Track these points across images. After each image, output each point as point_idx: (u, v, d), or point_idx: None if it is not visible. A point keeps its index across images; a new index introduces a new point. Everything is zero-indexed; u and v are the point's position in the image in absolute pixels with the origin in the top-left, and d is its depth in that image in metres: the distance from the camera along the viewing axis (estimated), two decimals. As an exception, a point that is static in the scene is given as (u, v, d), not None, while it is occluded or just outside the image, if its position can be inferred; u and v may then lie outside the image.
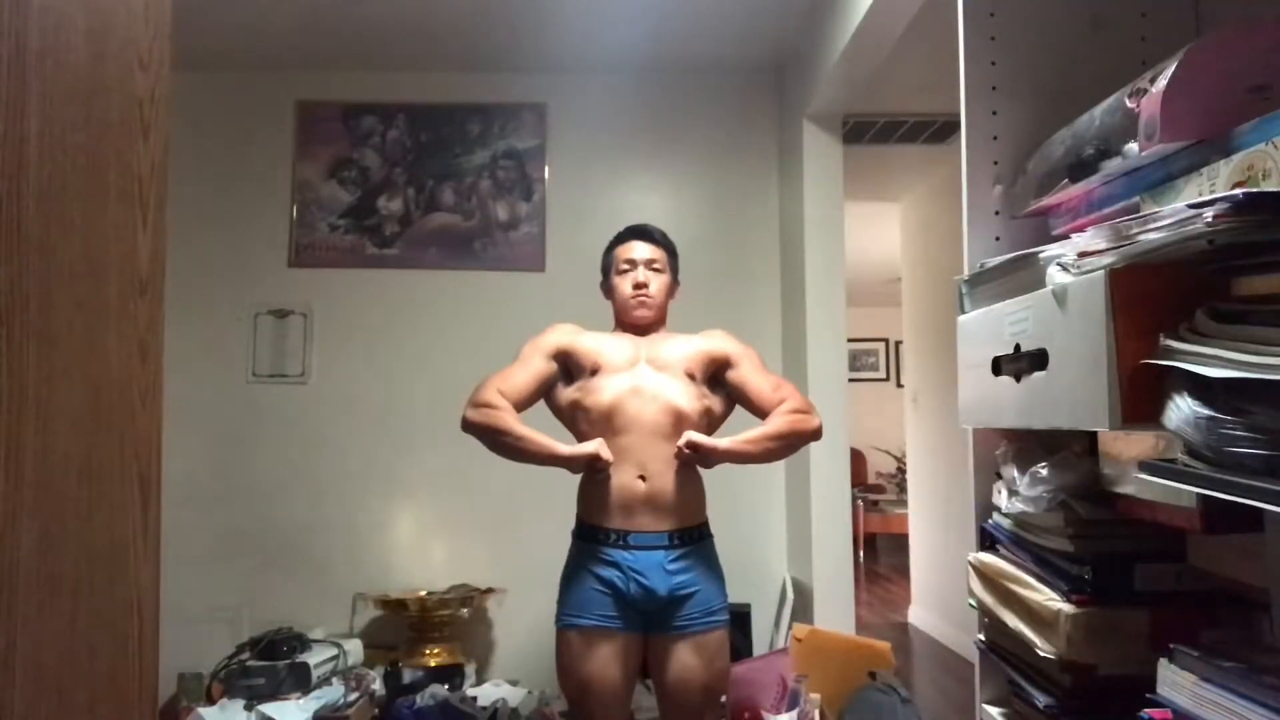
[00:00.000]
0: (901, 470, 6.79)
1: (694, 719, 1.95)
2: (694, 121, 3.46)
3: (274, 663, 2.71)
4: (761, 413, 2.03)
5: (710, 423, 2.05)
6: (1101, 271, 0.88)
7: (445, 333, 3.36)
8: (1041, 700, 1.11)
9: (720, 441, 1.93)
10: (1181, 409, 0.77)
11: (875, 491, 7.64)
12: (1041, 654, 1.08)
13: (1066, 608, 1.05)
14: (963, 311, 1.28)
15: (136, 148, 0.80)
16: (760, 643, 3.14)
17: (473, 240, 3.42)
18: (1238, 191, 0.76)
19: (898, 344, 7.76)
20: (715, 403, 2.07)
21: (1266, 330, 0.71)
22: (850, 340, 3.30)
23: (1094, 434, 1.11)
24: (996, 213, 1.30)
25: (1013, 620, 1.17)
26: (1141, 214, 0.85)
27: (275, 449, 3.33)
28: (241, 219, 3.40)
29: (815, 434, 2.01)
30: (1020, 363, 1.06)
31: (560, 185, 3.44)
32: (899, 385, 7.58)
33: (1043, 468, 1.12)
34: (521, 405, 2.01)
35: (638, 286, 2.08)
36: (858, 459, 7.54)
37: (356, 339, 3.37)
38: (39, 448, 0.66)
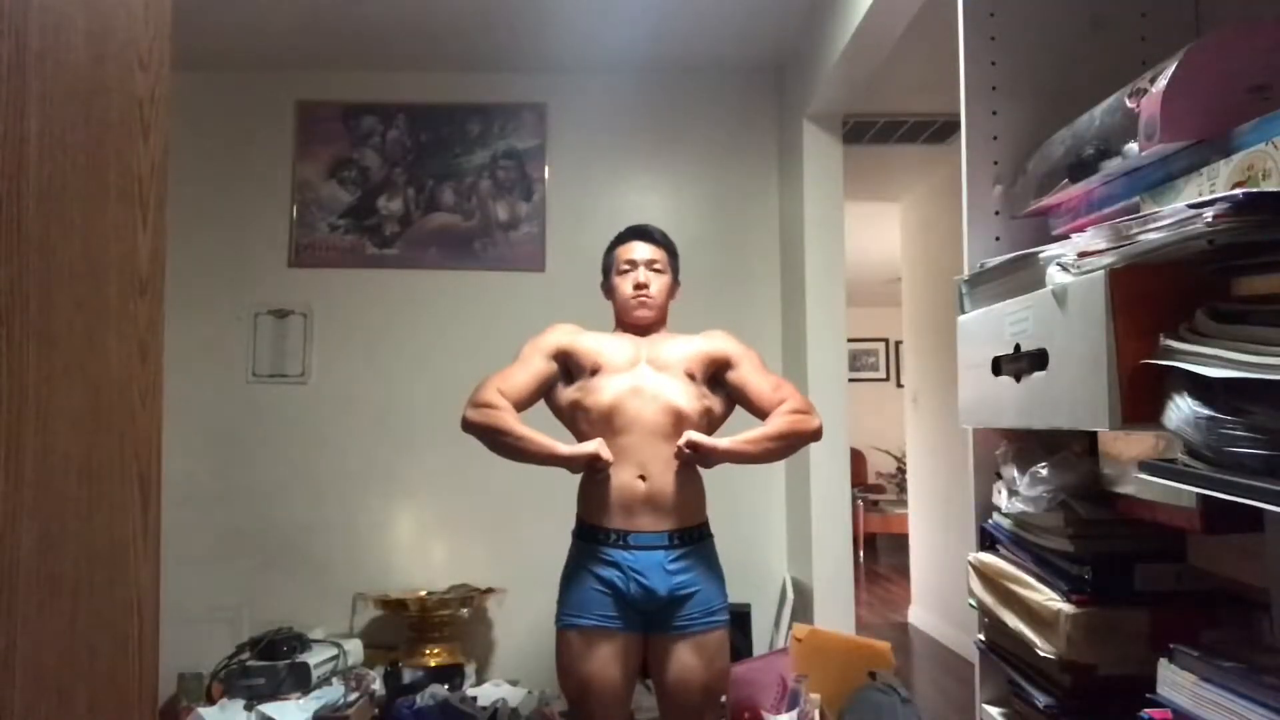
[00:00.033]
0: (901, 470, 6.79)
1: (694, 719, 1.95)
2: (694, 121, 3.46)
3: (274, 663, 2.71)
4: (761, 413, 2.03)
5: (710, 423, 2.05)
6: (1101, 271, 0.88)
7: (445, 333, 3.36)
8: (1041, 700, 1.11)
9: (720, 441, 1.93)
10: (1181, 409, 0.77)
11: (875, 491, 7.63)
12: (1041, 654, 1.08)
13: (1066, 608, 1.05)
14: (963, 311, 1.28)
15: (136, 148, 0.80)
16: (760, 643, 3.14)
17: (473, 240, 3.42)
18: (1238, 191, 0.76)
19: (898, 344, 7.76)
20: (715, 403, 2.07)
21: (1266, 330, 0.71)
22: (850, 340, 3.30)
23: (1094, 434, 1.11)
24: (996, 213, 1.30)
25: (1013, 620, 1.17)
26: (1141, 214, 0.85)
27: (275, 449, 3.33)
28: (241, 219, 3.40)
29: (815, 434, 2.01)
30: (1020, 363, 1.06)
31: (560, 185, 3.44)
32: (899, 385, 7.58)
33: (1043, 468, 1.12)
34: (522, 405, 2.01)
35: (638, 287, 2.08)
36: (858, 459, 7.54)
37: (356, 339, 3.37)
38: (39, 448, 0.66)
